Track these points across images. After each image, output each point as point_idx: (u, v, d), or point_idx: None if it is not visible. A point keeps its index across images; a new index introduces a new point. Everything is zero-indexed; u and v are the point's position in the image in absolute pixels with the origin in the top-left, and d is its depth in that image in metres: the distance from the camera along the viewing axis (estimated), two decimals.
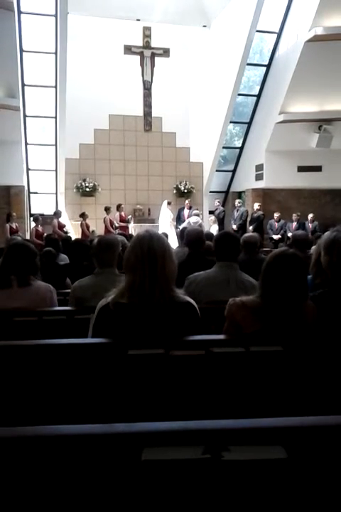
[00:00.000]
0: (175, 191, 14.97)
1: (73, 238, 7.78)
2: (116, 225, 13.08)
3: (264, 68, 13.96)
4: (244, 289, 2.98)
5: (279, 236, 13.12)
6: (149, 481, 1.12)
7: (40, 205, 14.82)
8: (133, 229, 13.17)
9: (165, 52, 14.48)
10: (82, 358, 1.97)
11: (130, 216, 13.93)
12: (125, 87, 14.03)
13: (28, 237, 12.15)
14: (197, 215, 12.42)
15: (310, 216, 13.18)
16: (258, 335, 2.12)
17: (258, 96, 14.27)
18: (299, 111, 12.62)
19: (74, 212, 13.80)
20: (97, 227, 13.36)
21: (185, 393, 1.90)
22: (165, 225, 13.04)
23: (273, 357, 1.97)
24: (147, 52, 14.43)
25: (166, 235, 5.75)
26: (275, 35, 13.37)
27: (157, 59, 14.53)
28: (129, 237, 6.88)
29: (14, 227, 11.68)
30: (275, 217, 13.34)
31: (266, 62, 13.88)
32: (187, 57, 14.57)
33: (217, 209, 14.36)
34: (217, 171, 15.40)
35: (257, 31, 12.72)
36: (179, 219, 13.75)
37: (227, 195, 15.97)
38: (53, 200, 14.44)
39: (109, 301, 2.14)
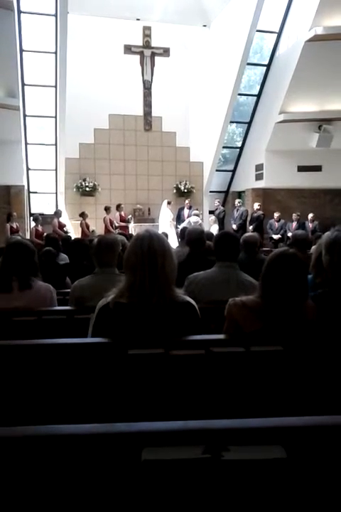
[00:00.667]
0: (175, 191, 14.97)
1: (73, 238, 7.77)
2: (116, 224, 13.08)
3: (264, 68, 13.95)
4: (244, 288, 2.97)
5: (279, 236, 13.12)
6: (149, 481, 1.12)
7: (40, 204, 14.82)
8: (133, 229, 13.17)
9: (165, 52, 14.48)
10: (81, 357, 1.97)
11: (130, 216, 13.92)
12: (125, 87, 14.03)
13: (28, 236, 12.15)
14: (197, 215, 12.42)
15: (310, 216, 13.18)
16: (258, 335, 2.12)
17: (259, 96, 14.27)
18: (299, 110, 12.62)
19: (74, 212, 13.80)
20: (97, 227, 13.36)
21: (185, 393, 1.90)
22: (165, 225, 13.04)
23: (273, 357, 1.97)
24: (147, 52, 14.43)
25: (166, 235, 5.76)
26: (276, 35, 13.36)
27: (157, 58, 14.53)
28: (129, 236, 6.88)
29: (14, 226, 11.68)
30: (275, 217, 13.34)
31: (266, 62, 13.87)
32: (187, 56, 14.57)
33: (217, 209, 14.35)
34: (217, 170, 15.40)
35: (257, 31, 12.72)
36: (179, 219, 13.75)
37: (227, 195, 15.97)
38: (53, 199, 14.44)
39: (108, 301, 2.14)
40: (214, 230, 12.03)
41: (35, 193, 14.55)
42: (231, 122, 15.12)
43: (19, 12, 11.89)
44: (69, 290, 3.54)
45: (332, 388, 1.93)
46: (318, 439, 1.17)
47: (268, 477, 1.13)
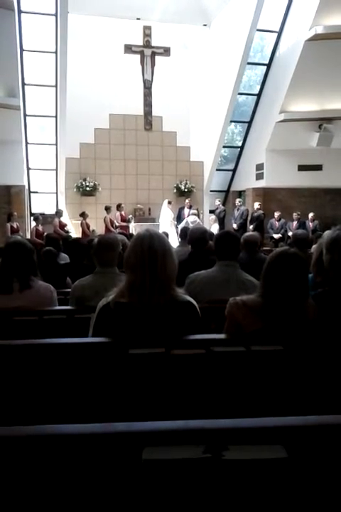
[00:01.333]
0: (175, 190, 14.97)
1: (73, 238, 7.77)
2: (117, 224, 13.08)
3: (264, 67, 13.94)
4: (245, 288, 2.97)
5: (279, 235, 13.11)
6: (150, 481, 1.12)
7: (41, 204, 14.82)
8: (134, 228, 13.17)
9: (166, 52, 14.47)
10: (82, 357, 1.97)
11: (130, 215, 13.93)
12: (125, 86, 14.03)
13: (28, 236, 12.16)
14: (195, 214, 12.42)
15: (311, 215, 13.17)
16: (259, 334, 2.12)
17: (259, 95, 14.26)
18: (299, 110, 12.61)
19: (74, 212, 13.80)
20: (98, 227, 13.36)
21: (186, 392, 1.90)
22: (166, 225, 13.04)
23: (273, 356, 1.97)
24: (147, 52, 14.43)
25: (167, 234, 5.76)
26: (276, 34, 13.35)
27: (157, 58, 14.53)
28: (130, 236, 6.88)
29: (15, 226, 11.68)
30: (275, 217, 13.34)
31: (267, 62, 13.87)
32: (187, 56, 14.56)
33: (217, 208, 14.35)
34: (217, 170, 15.39)
35: (257, 30, 12.71)
36: (179, 218, 13.75)
37: (228, 195, 15.96)
38: (54, 199, 14.45)
39: (109, 301, 2.13)
40: (215, 229, 12.04)
41: (36, 192, 14.55)
42: (232, 122, 15.12)
43: (19, 12, 11.89)
44: (69, 290, 3.54)
45: (332, 387, 1.93)
46: (319, 439, 1.17)
47: (269, 477, 1.13)
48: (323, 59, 11.46)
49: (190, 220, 11.94)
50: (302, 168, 13.61)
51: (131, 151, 14.63)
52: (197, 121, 14.85)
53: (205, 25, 14.62)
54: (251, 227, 13.05)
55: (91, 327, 2.49)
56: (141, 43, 14.36)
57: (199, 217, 12.75)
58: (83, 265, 4.78)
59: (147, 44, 14.40)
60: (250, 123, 14.77)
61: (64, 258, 5.85)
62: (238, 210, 13.69)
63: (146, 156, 14.77)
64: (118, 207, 13.49)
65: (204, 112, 14.72)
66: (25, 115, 13.17)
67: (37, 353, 1.99)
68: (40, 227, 11.87)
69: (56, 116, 13.20)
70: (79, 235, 12.16)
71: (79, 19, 13.03)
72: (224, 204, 15.22)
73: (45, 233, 9.20)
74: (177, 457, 1.11)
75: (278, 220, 13.30)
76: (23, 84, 12.79)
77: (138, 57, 14.41)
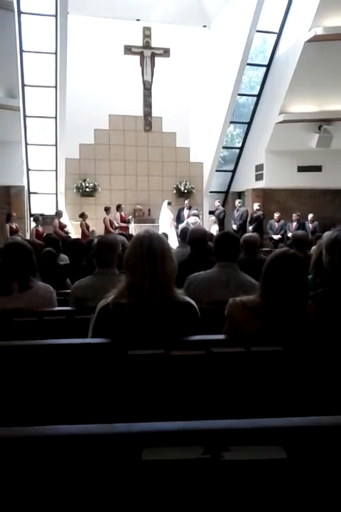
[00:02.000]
0: (175, 191, 14.97)
1: (72, 238, 7.76)
2: (116, 225, 13.08)
3: (264, 68, 13.95)
4: (244, 289, 2.97)
5: (279, 236, 13.11)
6: (149, 482, 1.12)
7: (40, 205, 14.81)
8: (134, 229, 13.17)
9: (165, 53, 14.48)
10: (82, 358, 1.97)
11: (130, 216, 13.92)
12: (125, 87, 14.03)
13: (28, 237, 12.15)
14: (196, 215, 12.41)
15: (310, 216, 13.18)
16: (259, 335, 2.12)
17: (258, 96, 14.27)
18: (299, 111, 12.62)
19: (74, 213, 13.79)
20: (97, 228, 13.36)
21: (185, 393, 1.90)
22: (166, 225, 13.04)
23: (273, 357, 1.97)
24: (147, 53, 14.43)
25: (166, 235, 5.75)
26: (275, 36, 13.36)
27: (157, 59, 14.53)
28: (129, 237, 6.88)
29: (14, 227, 11.67)
30: (275, 218, 13.34)
31: (266, 63, 13.88)
32: (187, 57, 14.56)
33: (217, 209, 14.35)
34: (217, 171, 15.39)
35: (257, 31, 12.72)
36: (179, 219, 13.75)
37: (227, 196, 15.96)
38: (53, 200, 14.44)
39: (109, 302, 2.13)
40: (214, 230, 12.04)
41: (35, 193, 14.55)
42: (232, 123, 15.13)
43: (19, 13, 11.89)
44: (69, 291, 3.54)
45: (332, 388, 1.93)
46: (318, 440, 1.17)
47: (269, 478, 1.13)
48: (323, 60, 11.46)
49: (190, 221, 11.93)
50: (301, 169, 13.61)
51: (130, 152, 14.63)
52: (197, 122, 14.85)
53: (205, 26, 14.63)
54: (250, 228, 13.05)
55: (90, 328, 2.49)
56: (141, 44, 14.37)
57: (199, 217, 12.74)
58: (83, 266, 4.78)
59: (147, 45, 14.41)
60: (250, 124, 14.78)
61: (63, 259, 5.84)
62: (237, 211, 13.69)
63: (146, 156, 14.77)
64: (118, 208, 13.49)
65: (203, 112, 14.73)
66: (24, 116, 13.16)
67: (36, 354, 1.99)
68: (39, 228, 11.85)
69: (56, 117, 13.21)
70: (79, 236, 12.14)
71: (79, 20, 13.05)
72: (223, 205, 15.22)
73: (45, 234, 9.20)
74: (177, 458, 1.11)
75: (278, 221, 13.30)
76: (23, 85, 12.79)
77: (137, 58, 14.41)
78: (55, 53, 12.44)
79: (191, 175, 15.21)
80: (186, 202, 14.01)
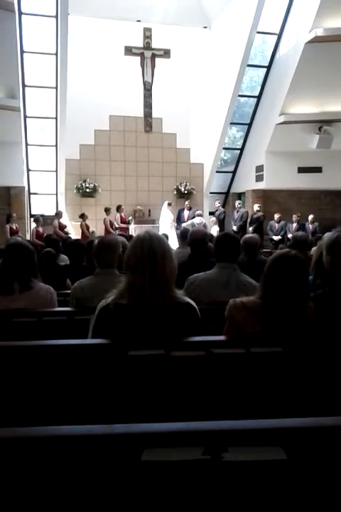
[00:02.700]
0: (175, 192, 14.97)
1: (72, 239, 7.77)
2: (117, 225, 13.07)
3: (265, 69, 13.96)
4: (244, 290, 2.97)
5: (279, 237, 13.10)
6: (149, 482, 1.12)
7: (41, 205, 14.81)
8: (134, 230, 13.17)
9: (166, 53, 14.48)
10: (82, 358, 1.97)
11: (130, 217, 13.92)
12: (125, 88, 14.03)
13: (28, 237, 12.15)
14: (201, 215, 12.40)
15: (311, 217, 13.17)
16: (259, 336, 2.12)
17: (259, 97, 14.27)
18: (299, 112, 12.62)
19: (74, 213, 13.79)
20: (97, 228, 13.36)
21: (185, 394, 1.90)
22: (166, 226, 13.04)
23: (273, 358, 1.97)
24: (147, 53, 14.44)
25: (166, 236, 5.74)
26: (276, 36, 13.37)
27: (157, 60, 14.54)
28: (129, 238, 6.88)
29: (14, 228, 11.66)
30: (275, 219, 13.33)
31: (267, 64, 13.88)
32: (187, 58, 14.57)
33: (217, 210, 14.35)
34: (217, 172, 15.39)
35: (257, 32, 12.72)
36: (179, 220, 13.75)
37: (227, 197, 15.96)
38: (53, 200, 14.44)
39: (109, 302, 2.13)
40: (215, 231, 12.03)
41: (36, 194, 14.55)
42: (232, 123, 15.13)
43: (20, 13, 11.89)
44: (69, 291, 3.54)
45: (332, 389, 1.93)
46: (318, 441, 1.17)
47: (268, 479, 1.13)
48: (323, 61, 11.47)
49: (196, 221, 11.90)
50: (302, 170, 13.61)
51: (131, 153, 14.63)
52: (197, 123, 14.86)
53: (205, 27, 14.64)
54: (250, 229, 13.04)
55: (90, 328, 2.49)
56: (141, 45, 14.37)
57: (203, 218, 12.71)
58: (83, 267, 4.78)
59: (147, 46, 14.41)
60: (250, 125, 14.78)
61: (63, 259, 5.84)
62: (238, 212, 13.68)
63: (146, 157, 14.77)
64: (118, 208, 13.48)
65: (204, 113, 14.73)
66: (25, 116, 13.16)
67: (36, 355, 1.99)
68: (40, 229, 11.85)
69: (56, 118, 13.21)
70: (79, 237, 12.15)
71: (79, 21, 13.06)
72: (223, 206, 15.22)
73: (45, 234, 9.21)
74: (177, 459, 1.11)
75: (278, 222, 13.30)
76: (24, 85, 12.79)
77: (138, 59, 14.41)
78: (56, 54, 12.45)
79: (191, 176, 15.21)
80: (186, 203, 14.01)
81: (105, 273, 3.20)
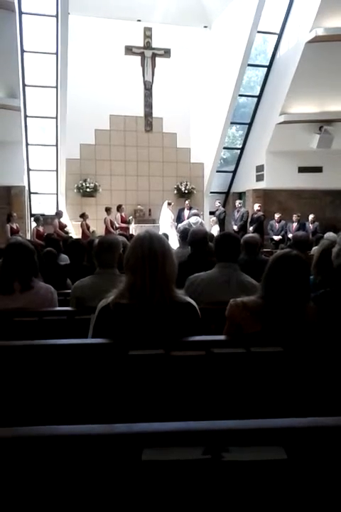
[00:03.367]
0: (175, 192, 14.97)
1: (73, 239, 7.76)
2: (117, 225, 13.08)
3: (265, 69, 13.96)
4: (245, 289, 2.97)
5: (280, 237, 13.10)
6: (149, 482, 1.12)
7: (41, 205, 14.82)
8: (134, 229, 13.17)
9: (166, 53, 14.48)
10: (82, 358, 1.97)
11: (130, 217, 13.92)
12: (126, 88, 14.03)
13: (28, 237, 12.15)
14: (197, 214, 12.38)
15: (311, 217, 13.16)
16: (259, 336, 2.12)
17: (259, 97, 14.27)
18: (300, 112, 12.62)
19: (74, 213, 13.80)
20: (98, 228, 13.36)
21: (186, 394, 1.90)
22: (166, 226, 13.04)
23: (273, 358, 1.97)
24: (148, 53, 14.43)
25: (167, 236, 5.75)
26: (276, 36, 13.36)
27: (158, 59, 14.53)
28: (130, 237, 6.87)
29: (15, 227, 11.66)
30: (275, 218, 13.33)
31: (267, 63, 13.88)
32: (188, 57, 14.56)
33: (217, 210, 14.35)
34: (217, 171, 15.39)
35: (258, 32, 12.71)
36: (179, 219, 13.75)
37: (228, 196, 15.96)
38: (54, 200, 14.45)
39: (109, 302, 2.13)
40: (215, 230, 12.03)
41: (36, 193, 14.56)
42: (232, 123, 15.12)
43: (20, 13, 11.90)
44: (70, 291, 3.54)
45: (332, 389, 1.93)
46: (319, 440, 1.17)
47: (269, 478, 1.13)
48: (324, 61, 11.46)
49: (192, 221, 11.91)
50: (302, 169, 13.61)
51: (131, 153, 14.63)
52: (198, 123, 14.85)
53: (206, 26, 14.64)
54: (251, 228, 13.04)
55: (91, 328, 2.49)
56: (142, 45, 14.37)
57: (201, 217, 12.71)
58: (83, 266, 4.78)
59: (147, 45, 14.41)
60: (250, 124, 14.78)
61: (64, 259, 5.84)
62: (238, 211, 13.68)
63: (147, 157, 14.77)
64: (119, 208, 13.48)
65: (204, 113, 14.73)
66: (25, 116, 13.17)
67: (37, 354, 1.99)
68: (40, 228, 11.86)
69: (56, 118, 13.21)
70: (80, 236, 12.15)
71: (79, 20, 13.06)
72: (224, 206, 15.21)
73: (45, 234, 9.21)
74: (177, 458, 1.11)
75: (279, 222, 13.29)
76: (24, 85, 12.79)
77: (138, 58, 14.41)
78: (56, 53, 12.45)
79: (192, 175, 15.21)
80: (186, 202, 14.01)
81: (105, 273, 3.20)
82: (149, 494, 1.12)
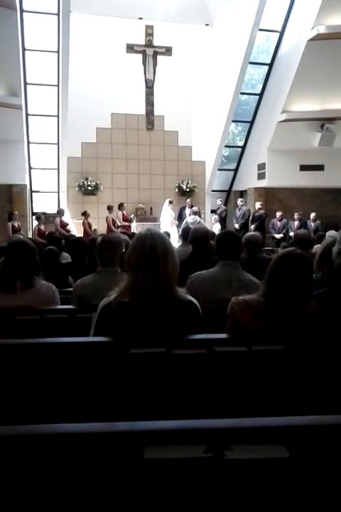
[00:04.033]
0: (177, 190, 14.97)
1: (75, 237, 7.76)
2: (119, 223, 13.08)
3: (267, 67, 13.93)
4: (246, 287, 2.97)
5: (281, 235, 13.09)
6: (151, 480, 1.12)
7: (42, 203, 14.83)
8: (136, 228, 13.16)
9: (168, 51, 14.47)
10: (84, 356, 1.97)
11: (132, 215, 13.92)
12: (127, 86, 14.03)
13: (30, 235, 12.16)
14: (195, 213, 12.35)
15: (312, 215, 13.15)
16: (261, 334, 2.12)
17: (261, 95, 14.25)
18: (301, 110, 12.60)
19: (76, 211, 13.81)
20: (99, 226, 13.37)
21: (187, 392, 1.90)
22: (167, 224, 13.04)
23: (275, 356, 1.97)
24: (149, 51, 14.42)
25: (168, 234, 5.75)
26: (278, 34, 13.33)
27: (159, 57, 14.52)
28: (131, 236, 6.87)
29: (16, 225, 11.67)
30: (277, 216, 13.31)
31: (269, 61, 13.85)
32: (189, 55, 14.55)
33: (219, 208, 14.34)
34: (219, 169, 15.38)
35: (259, 30, 12.68)
36: (180, 218, 13.75)
37: (229, 194, 15.95)
38: (55, 198, 14.46)
39: (111, 300, 2.13)
40: (217, 229, 12.02)
41: (38, 192, 14.57)
42: (234, 121, 15.10)
43: (22, 11, 11.91)
44: (71, 289, 3.54)
45: (334, 388, 1.93)
46: (321, 439, 1.17)
47: (271, 477, 1.13)
48: (325, 59, 11.44)
49: (189, 220, 11.90)
50: (304, 168, 13.59)
51: (132, 151, 14.62)
52: (199, 121, 14.84)
53: (207, 24, 14.61)
54: (252, 227, 13.03)
55: (92, 326, 2.49)
56: (143, 43, 14.36)
57: (200, 216, 12.70)
58: (85, 264, 4.78)
59: (149, 43, 14.40)
60: (252, 122, 14.76)
61: (65, 257, 5.85)
62: (240, 209, 13.67)
63: (148, 155, 14.76)
64: (120, 206, 13.48)
65: (206, 111, 14.71)
66: (27, 114, 13.19)
67: (39, 352, 1.99)
68: (42, 227, 11.87)
69: (58, 116, 13.22)
70: (81, 235, 12.16)
71: (81, 18, 13.05)
72: (225, 204, 15.21)
73: (47, 232, 9.21)
74: (179, 457, 1.11)
75: (280, 220, 13.28)
76: (25, 83, 12.81)
77: (140, 56, 14.40)
78: (57, 52, 12.46)
79: (193, 173, 15.20)
80: (188, 201, 14.01)
81: (107, 271, 3.19)
82: (151, 492, 1.12)
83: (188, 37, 14.44)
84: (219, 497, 1.14)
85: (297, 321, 2.14)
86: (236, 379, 1.94)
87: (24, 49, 12.44)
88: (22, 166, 12.75)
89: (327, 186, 14.00)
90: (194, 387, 1.91)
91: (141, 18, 14.05)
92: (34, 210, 14.07)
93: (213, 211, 14.80)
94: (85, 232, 12.58)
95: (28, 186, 13.73)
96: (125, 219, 13.48)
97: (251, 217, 13.55)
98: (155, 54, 14.47)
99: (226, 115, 13.64)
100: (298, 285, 2.15)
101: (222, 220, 13.72)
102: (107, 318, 2.14)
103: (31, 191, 14.17)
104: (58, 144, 13.64)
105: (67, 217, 13.38)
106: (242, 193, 15.44)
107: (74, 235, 9.86)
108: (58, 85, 12.76)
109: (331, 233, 6.28)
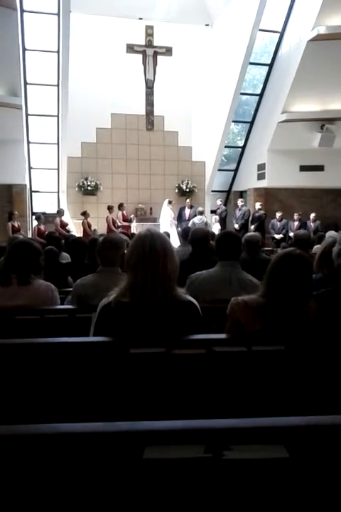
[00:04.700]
0: (177, 190, 14.97)
1: (75, 237, 7.76)
2: (119, 224, 13.08)
3: (267, 67, 13.93)
4: (246, 288, 2.97)
5: (281, 235, 13.09)
6: (151, 480, 1.12)
7: (42, 203, 14.83)
8: (135, 228, 13.17)
9: (168, 51, 14.46)
10: (83, 356, 1.97)
11: (132, 215, 13.92)
12: (127, 86, 14.03)
13: (30, 235, 12.16)
14: (202, 213, 12.34)
15: (312, 216, 13.14)
16: (260, 334, 2.12)
17: (261, 95, 14.25)
18: (301, 110, 12.60)
19: (76, 211, 13.81)
20: (99, 226, 13.37)
21: (187, 392, 1.90)
22: (166, 224, 13.04)
23: (274, 356, 1.97)
24: (149, 51, 14.42)
25: (168, 234, 5.75)
26: (278, 34, 13.33)
27: (159, 58, 14.51)
28: (131, 236, 6.87)
29: (16, 225, 11.68)
30: (277, 217, 13.31)
31: (269, 62, 13.85)
32: (189, 56, 14.54)
33: (218, 208, 14.35)
34: (219, 170, 15.38)
35: (260, 30, 12.68)
36: (180, 218, 13.76)
37: (229, 195, 15.96)
38: (55, 198, 14.46)
39: (110, 300, 2.13)
40: (216, 229, 12.03)
41: (37, 192, 14.56)
42: (234, 121, 15.11)
43: (22, 11, 11.90)
44: (71, 289, 3.54)
45: (334, 388, 1.93)
46: (320, 439, 1.17)
47: (270, 477, 1.13)
48: (325, 59, 11.44)
49: (196, 221, 11.88)
50: (304, 168, 13.59)
51: (132, 151, 14.62)
52: (199, 121, 14.84)
53: (208, 25, 14.61)
54: (252, 227, 13.03)
55: (92, 326, 2.49)
56: (143, 43, 14.35)
57: (205, 216, 12.68)
58: (84, 264, 4.78)
59: (149, 44, 14.40)
60: (252, 123, 14.77)
61: (65, 257, 5.85)
62: (239, 210, 13.68)
63: (148, 155, 14.76)
64: (120, 206, 13.48)
65: (206, 111, 14.71)
66: (27, 114, 13.18)
67: (38, 352, 1.99)
68: (41, 227, 11.87)
69: (58, 116, 13.21)
70: (81, 235, 12.15)
71: (81, 18, 13.05)
72: (225, 204, 15.21)
73: (47, 232, 9.21)
74: (178, 457, 1.11)
75: (280, 221, 13.28)
76: (25, 83, 12.80)
77: (140, 56, 14.40)
78: (58, 52, 12.45)
79: (193, 174, 15.20)
80: (187, 201, 14.01)
81: (107, 271, 3.19)
82: (151, 492, 1.12)
83: (188, 37, 14.44)
84: (219, 497, 1.14)
85: (297, 322, 2.14)
86: (236, 379, 1.94)
87: (24, 49, 12.44)
88: (22, 166, 12.75)
89: (327, 187, 14.01)
90: (193, 388, 1.91)
91: (141, 19, 14.05)
92: (34, 210, 14.07)
93: (213, 211, 14.81)
94: (85, 232, 12.58)
95: (28, 186, 13.73)
96: (125, 219, 13.48)
97: (250, 218, 13.56)
98: (156, 54, 14.46)
99: (226, 115, 13.64)
100: (297, 285, 2.15)
101: (222, 221, 13.73)
102: (107, 318, 2.14)
103: (31, 191, 14.17)
104: (58, 143, 13.64)
105: (66, 217, 13.38)
106: (242, 194, 15.44)
107: (74, 235, 9.86)
108: (58, 85, 12.76)
109: (331, 233, 6.29)
